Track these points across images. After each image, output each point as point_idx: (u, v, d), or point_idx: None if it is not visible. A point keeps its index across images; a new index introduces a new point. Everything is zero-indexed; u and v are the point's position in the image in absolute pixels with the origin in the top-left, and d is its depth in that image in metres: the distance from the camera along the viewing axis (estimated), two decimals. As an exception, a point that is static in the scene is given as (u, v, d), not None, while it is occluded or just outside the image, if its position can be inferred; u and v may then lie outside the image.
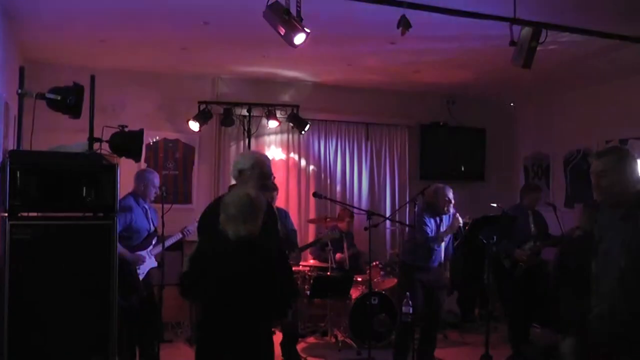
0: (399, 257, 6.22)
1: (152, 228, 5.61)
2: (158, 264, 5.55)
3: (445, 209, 5.89)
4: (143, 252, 5.47)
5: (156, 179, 5.69)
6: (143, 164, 7.19)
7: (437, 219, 5.92)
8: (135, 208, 5.45)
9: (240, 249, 3.28)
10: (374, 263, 6.75)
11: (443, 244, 5.94)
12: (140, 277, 5.43)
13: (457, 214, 5.96)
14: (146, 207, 5.59)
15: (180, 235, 5.93)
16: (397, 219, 8.20)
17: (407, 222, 6.92)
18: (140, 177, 5.60)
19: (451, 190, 5.96)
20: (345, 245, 7.31)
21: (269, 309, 3.34)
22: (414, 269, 5.81)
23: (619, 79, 7.43)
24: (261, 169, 3.90)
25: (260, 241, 3.36)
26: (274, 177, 3.86)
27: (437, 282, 5.92)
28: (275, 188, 6.18)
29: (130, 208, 5.38)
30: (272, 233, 3.83)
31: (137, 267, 5.39)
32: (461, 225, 6.01)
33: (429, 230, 5.82)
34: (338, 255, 7.28)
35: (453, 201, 5.93)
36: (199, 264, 3.38)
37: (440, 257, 5.95)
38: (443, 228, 5.92)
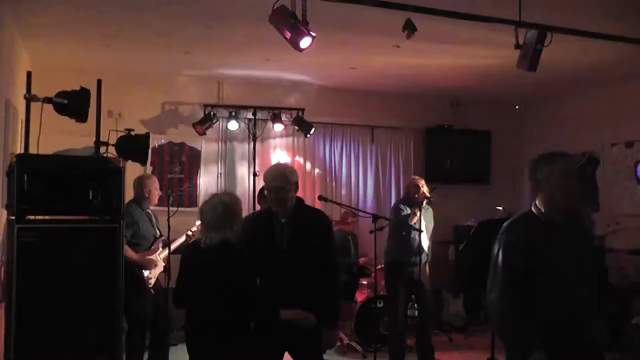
0: (385, 259, 6.21)
1: (158, 233, 5.62)
2: (164, 268, 5.56)
3: (419, 199, 6.02)
4: (153, 257, 5.49)
5: (156, 184, 5.71)
6: (149, 168, 7.22)
7: (415, 210, 6.03)
8: (140, 214, 5.46)
9: (213, 256, 3.31)
10: (379, 266, 6.74)
11: (423, 239, 6.03)
12: (152, 282, 5.44)
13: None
14: (149, 212, 5.60)
15: (185, 238, 5.93)
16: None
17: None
18: (140, 184, 5.57)
19: (422, 181, 6.18)
20: (352, 248, 7.33)
21: (245, 316, 3.36)
22: (398, 266, 5.95)
23: (625, 82, 7.41)
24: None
25: (235, 248, 3.35)
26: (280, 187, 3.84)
27: (420, 281, 5.97)
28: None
29: (135, 215, 5.39)
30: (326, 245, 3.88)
31: (149, 271, 5.41)
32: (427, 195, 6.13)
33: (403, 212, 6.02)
34: (362, 260, 7.48)
35: (425, 191, 6.08)
36: (183, 272, 3.49)
37: (423, 254, 6.01)
38: (422, 221, 6.01)
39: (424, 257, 6.04)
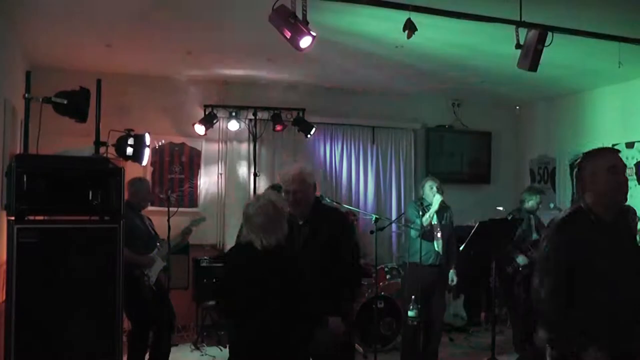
0: (404, 260, 6.25)
1: (153, 232, 5.62)
2: (164, 268, 5.56)
3: (432, 198, 5.96)
4: (150, 255, 5.48)
5: (148, 186, 5.74)
6: (149, 168, 7.22)
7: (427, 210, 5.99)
8: (134, 215, 5.46)
9: (269, 260, 3.18)
10: (380, 266, 6.74)
11: (441, 242, 5.96)
12: (153, 280, 5.44)
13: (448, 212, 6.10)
14: (142, 214, 5.61)
15: (181, 237, 5.92)
16: (402, 222, 8.18)
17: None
18: (132, 185, 5.54)
19: (436, 182, 6.06)
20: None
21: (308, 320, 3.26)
22: (414, 267, 5.88)
23: (625, 82, 7.42)
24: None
25: (290, 251, 3.29)
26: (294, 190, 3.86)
27: (440, 282, 5.97)
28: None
29: (128, 215, 5.38)
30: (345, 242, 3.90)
31: (149, 269, 5.40)
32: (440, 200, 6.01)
33: (417, 219, 5.93)
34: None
35: (435, 191, 5.99)
36: (231, 279, 3.33)
37: (439, 254, 5.96)
38: (434, 221, 5.95)
39: (439, 258, 5.99)
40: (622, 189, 2.92)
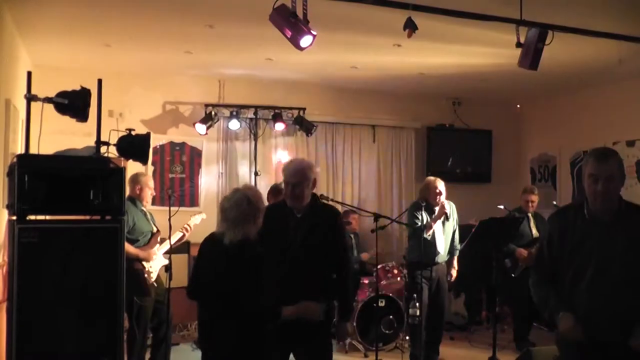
0: (407, 259, 6.25)
1: (155, 229, 5.63)
2: (165, 266, 5.56)
3: (437, 200, 5.94)
4: (152, 250, 5.49)
5: (150, 182, 5.73)
6: (150, 167, 7.22)
7: (430, 211, 5.95)
8: (135, 210, 5.47)
9: (233, 253, 3.24)
10: (381, 265, 6.74)
11: (444, 240, 5.97)
12: (154, 276, 5.45)
13: (445, 201, 6.01)
14: (144, 209, 5.61)
15: (181, 234, 5.92)
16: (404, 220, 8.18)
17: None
18: (134, 180, 5.58)
19: (442, 183, 6.01)
20: (354, 246, 7.33)
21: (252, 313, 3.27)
22: (416, 266, 5.88)
23: (626, 80, 7.42)
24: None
25: (252, 246, 3.30)
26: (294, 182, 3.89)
27: (442, 279, 6.01)
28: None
29: (131, 211, 5.40)
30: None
31: (150, 264, 5.41)
32: (447, 211, 6.00)
33: (418, 222, 5.87)
34: (365, 255, 7.43)
35: (444, 193, 5.97)
36: (199, 266, 3.45)
37: (442, 253, 5.98)
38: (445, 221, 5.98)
39: (443, 257, 6.02)
40: (597, 199, 2.96)
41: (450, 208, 6.09)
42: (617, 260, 2.94)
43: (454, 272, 6.20)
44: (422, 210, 5.86)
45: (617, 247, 2.96)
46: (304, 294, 3.58)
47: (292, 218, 3.86)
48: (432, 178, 6.12)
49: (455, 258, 6.20)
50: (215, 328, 3.31)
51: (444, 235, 6.03)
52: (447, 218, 6.04)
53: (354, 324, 6.46)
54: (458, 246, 6.19)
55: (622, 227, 2.98)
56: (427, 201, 5.95)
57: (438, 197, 5.94)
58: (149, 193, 5.64)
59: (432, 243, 5.92)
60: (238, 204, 3.28)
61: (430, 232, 5.88)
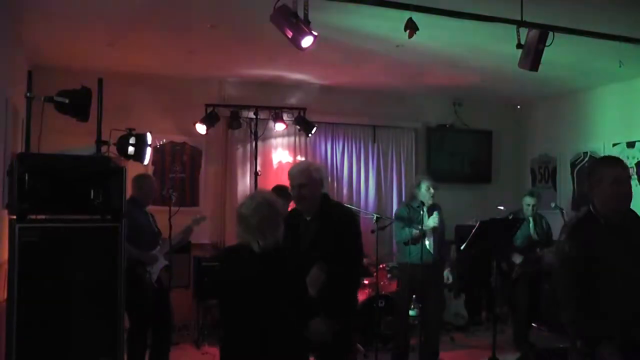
0: (396, 261, 6.22)
1: (157, 230, 5.63)
2: (166, 266, 5.56)
3: (427, 198, 5.91)
4: (153, 252, 5.49)
5: (153, 183, 5.74)
6: (150, 167, 7.22)
7: (418, 210, 5.94)
8: (138, 211, 5.47)
9: (267, 261, 3.07)
10: (381, 266, 6.75)
11: (431, 240, 5.91)
12: (154, 277, 5.45)
13: (438, 213, 5.97)
14: (146, 210, 5.61)
15: (182, 235, 5.92)
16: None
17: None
18: (137, 181, 5.57)
19: (430, 182, 6.00)
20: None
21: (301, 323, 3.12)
22: (405, 267, 5.90)
23: (626, 81, 7.41)
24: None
25: (290, 253, 3.21)
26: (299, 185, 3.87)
27: (433, 280, 5.91)
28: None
29: (133, 211, 5.39)
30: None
31: (151, 266, 5.41)
32: (433, 225, 5.92)
33: (400, 225, 5.90)
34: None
35: (432, 191, 5.94)
36: (225, 279, 3.24)
37: (430, 253, 5.92)
38: (426, 219, 5.90)
39: (431, 259, 5.94)
40: (626, 199, 3.11)
41: (438, 209, 6.06)
42: (633, 260, 3.06)
43: (449, 275, 6.16)
44: (408, 212, 5.91)
45: (630, 247, 3.09)
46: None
47: (302, 222, 3.84)
48: (421, 176, 6.27)
49: (446, 262, 6.14)
50: (252, 343, 3.06)
51: (433, 237, 5.97)
52: (435, 207, 6.00)
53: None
54: (448, 248, 6.13)
55: (628, 228, 3.14)
56: (414, 198, 5.99)
57: (426, 195, 5.93)
58: (151, 195, 5.64)
59: (420, 244, 5.86)
60: (259, 209, 3.10)
61: (419, 243, 5.82)
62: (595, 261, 3.03)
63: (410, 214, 5.94)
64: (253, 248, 3.07)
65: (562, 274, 3.17)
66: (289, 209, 4.89)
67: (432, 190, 5.94)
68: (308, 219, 3.84)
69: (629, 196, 3.10)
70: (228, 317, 3.19)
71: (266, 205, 3.12)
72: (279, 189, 5.53)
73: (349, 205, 6.77)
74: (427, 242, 5.91)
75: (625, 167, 3.19)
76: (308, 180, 3.81)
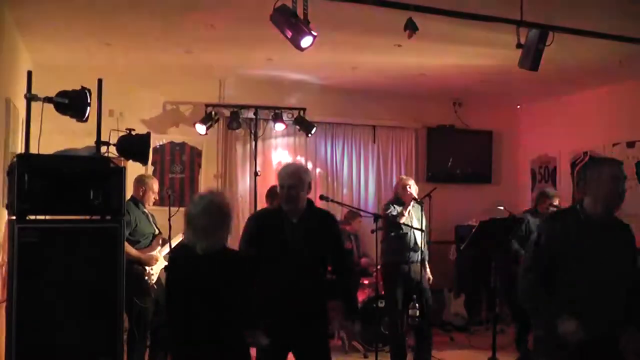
0: (382, 260, 6.16)
1: (157, 230, 5.63)
2: (166, 267, 5.56)
3: (407, 199, 5.92)
4: (153, 253, 5.49)
5: (155, 185, 5.73)
6: (150, 167, 7.22)
7: (402, 210, 5.93)
8: (137, 211, 5.47)
9: (212, 263, 3.09)
10: (380, 266, 6.73)
11: (420, 235, 5.92)
12: (154, 278, 5.45)
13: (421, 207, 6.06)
14: (146, 211, 5.62)
15: (183, 236, 5.91)
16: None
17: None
18: (139, 182, 5.60)
19: (412, 181, 6.07)
20: (354, 248, 7.32)
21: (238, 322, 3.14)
22: (394, 266, 5.88)
23: (626, 81, 7.41)
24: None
25: (235, 254, 3.24)
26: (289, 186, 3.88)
27: (419, 280, 5.88)
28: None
29: (132, 213, 5.40)
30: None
31: (151, 267, 5.41)
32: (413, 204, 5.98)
33: (393, 211, 5.90)
34: (364, 261, 7.39)
35: (413, 190, 5.96)
36: (174, 284, 3.27)
37: (417, 253, 5.91)
38: (413, 218, 5.92)
39: (418, 256, 5.93)
40: (620, 198, 3.18)
41: (420, 208, 6.06)
42: (611, 259, 3.12)
43: (429, 275, 6.14)
44: (392, 204, 5.97)
45: (612, 246, 3.15)
46: (303, 298, 3.58)
47: (287, 223, 3.85)
48: (403, 177, 6.36)
49: (426, 262, 6.11)
50: (200, 345, 3.10)
51: (418, 232, 5.96)
52: (417, 202, 6.01)
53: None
54: (426, 251, 6.12)
55: (609, 229, 3.20)
56: (398, 198, 6.01)
57: (405, 191, 5.94)
58: (152, 196, 5.65)
59: (406, 242, 5.90)
60: (206, 210, 3.10)
61: (404, 219, 5.83)
62: (562, 253, 3.12)
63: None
64: (197, 249, 3.09)
65: (525, 258, 3.39)
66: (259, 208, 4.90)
67: (409, 190, 5.96)
68: (294, 221, 3.84)
69: (623, 195, 3.17)
70: (174, 318, 3.25)
71: (215, 206, 3.13)
72: (276, 190, 5.53)
73: (349, 206, 6.84)
74: (416, 236, 5.93)
75: (622, 169, 3.26)
76: (297, 181, 3.82)
